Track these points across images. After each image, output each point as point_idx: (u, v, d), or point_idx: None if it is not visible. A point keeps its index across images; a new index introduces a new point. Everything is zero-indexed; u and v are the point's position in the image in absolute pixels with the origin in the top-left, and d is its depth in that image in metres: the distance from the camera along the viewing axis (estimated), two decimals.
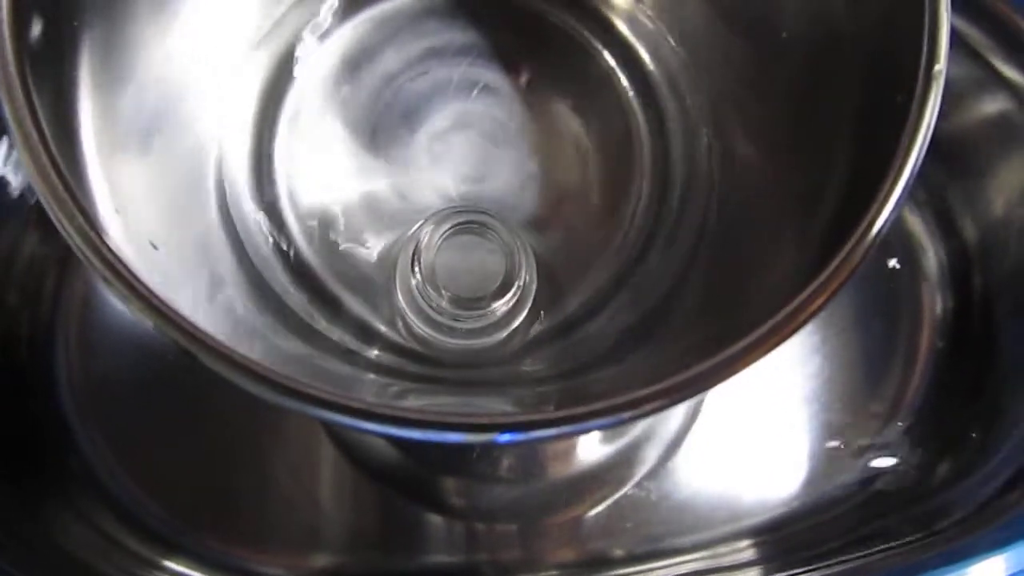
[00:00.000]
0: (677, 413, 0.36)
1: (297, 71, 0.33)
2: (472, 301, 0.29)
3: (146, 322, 0.19)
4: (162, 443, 0.35)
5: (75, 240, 0.19)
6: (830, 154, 0.26)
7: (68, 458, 0.34)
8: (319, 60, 0.33)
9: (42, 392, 0.35)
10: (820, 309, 0.21)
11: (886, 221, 0.21)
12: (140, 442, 0.35)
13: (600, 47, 0.34)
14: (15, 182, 0.34)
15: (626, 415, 0.20)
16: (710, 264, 0.31)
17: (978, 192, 0.37)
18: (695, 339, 0.28)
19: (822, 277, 0.21)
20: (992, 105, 0.36)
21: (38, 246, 0.35)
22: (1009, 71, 0.35)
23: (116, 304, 0.35)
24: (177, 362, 0.33)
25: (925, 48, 0.22)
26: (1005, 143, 0.37)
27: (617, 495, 0.35)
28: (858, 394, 0.37)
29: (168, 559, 0.34)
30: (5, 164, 0.33)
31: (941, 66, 0.22)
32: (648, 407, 0.20)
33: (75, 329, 0.35)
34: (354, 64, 0.33)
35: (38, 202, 0.33)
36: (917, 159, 0.21)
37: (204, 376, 0.33)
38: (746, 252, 0.29)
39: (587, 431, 0.28)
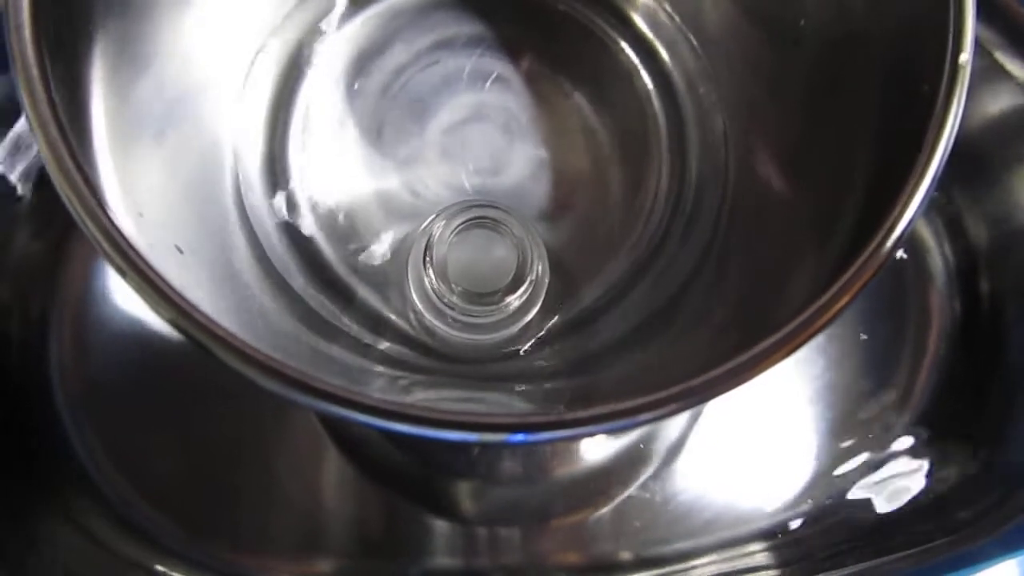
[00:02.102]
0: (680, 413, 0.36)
1: (308, 66, 0.33)
2: (484, 296, 0.29)
3: (163, 318, 0.19)
4: (159, 445, 0.34)
5: (102, 243, 0.19)
6: (850, 155, 0.25)
7: (60, 460, 0.33)
8: (329, 55, 0.33)
9: (34, 391, 0.34)
10: (842, 311, 0.21)
11: (912, 217, 0.21)
12: (136, 444, 0.34)
13: (615, 37, 0.34)
14: (9, 174, 0.33)
15: (643, 417, 0.20)
16: (723, 263, 0.30)
17: (985, 191, 0.37)
18: (706, 337, 0.28)
19: (846, 276, 0.21)
20: (999, 103, 0.36)
21: (31, 240, 0.35)
22: (1016, 68, 0.35)
23: (112, 301, 0.34)
24: (176, 361, 0.34)
25: (951, 38, 0.22)
26: (1012, 141, 0.36)
27: (621, 497, 0.35)
28: (864, 396, 0.37)
29: (164, 565, 0.33)
30: None
31: (967, 55, 0.22)
32: (666, 409, 0.20)
33: (69, 327, 0.34)
34: (364, 58, 0.33)
35: (31, 195, 0.34)
36: (944, 152, 0.21)
37: (203, 375, 0.33)
38: (761, 252, 0.29)
39: (602, 432, 0.28)
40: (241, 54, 0.31)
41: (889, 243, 0.21)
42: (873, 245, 0.21)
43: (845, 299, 0.21)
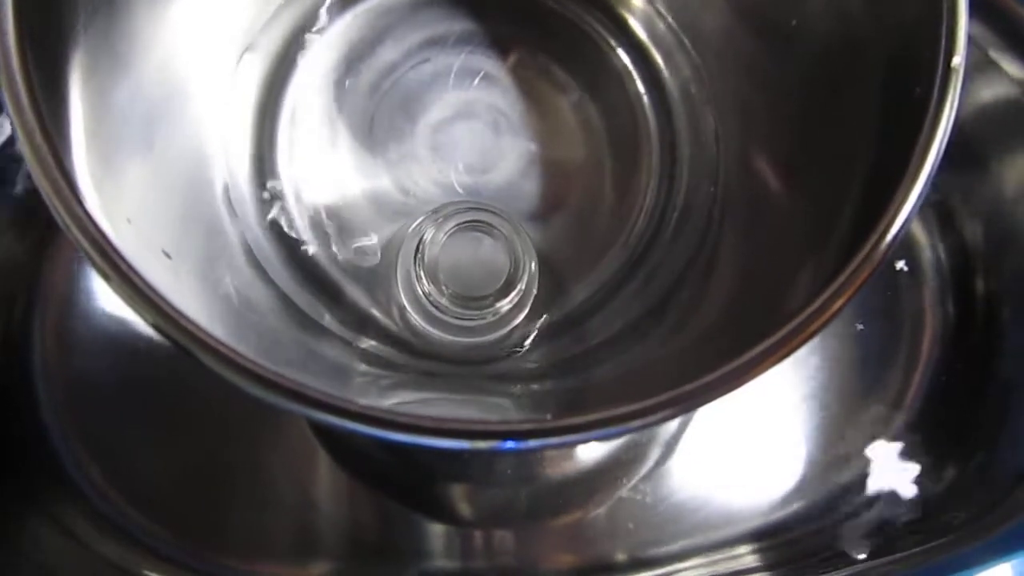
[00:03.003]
0: None
1: (296, 64, 0.32)
2: (474, 300, 0.29)
3: (148, 322, 0.19)
4: (144, 447, 0.34)
5: (86, 248, 0.19)
6: (845, 157, 0.25)
7: (44, 461, 0.33)
8: (318, 53, 0.32)
9: (17, 392, 0.33)
10: (836, 314, 0.21)
11: (905, 221, 0.21)
12: (121, 446, 0.34)
13: (607, 36, 0.33)
14: None
15: (634, 424, 0.20)
16: (715, 262, 0.30)
17: (979, 190, 0.37)
18: (697, 336, 0.28)
19: (839, 280, 0.21)
20: (993, 99, 0.36)
21: (14, 243, 0.34)
22: (1009, 64, 0.35)
23: (97, 301, 0.34)
24: (162, 362, 0.33)
25: (944, 42, 0.22)
26: (1007, 137, 0.36)
27: (614, 499, 0.35)
28: (857, 396, 0.36)
29: (152, 569, 0.32)
30: None
31: (960, 59, 0.22)
32: (657, 416, 0.20)
33: (53, 328, 0.34)
34: (354, 56, 0.32)
35: (14, 197, 0.33)
36: (937, 156, 0.21)
37: (188, 377, 0.33)
38: (754, 252, 0.29)
39: (593, 440, 0.28)
40: (227, 52, 0.31)
41: (883, 246, 0.21)
42: (867, 249, 0.21)
43: (839, 303, 0.21)
